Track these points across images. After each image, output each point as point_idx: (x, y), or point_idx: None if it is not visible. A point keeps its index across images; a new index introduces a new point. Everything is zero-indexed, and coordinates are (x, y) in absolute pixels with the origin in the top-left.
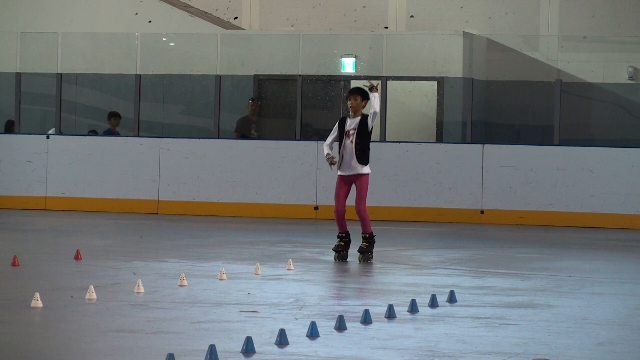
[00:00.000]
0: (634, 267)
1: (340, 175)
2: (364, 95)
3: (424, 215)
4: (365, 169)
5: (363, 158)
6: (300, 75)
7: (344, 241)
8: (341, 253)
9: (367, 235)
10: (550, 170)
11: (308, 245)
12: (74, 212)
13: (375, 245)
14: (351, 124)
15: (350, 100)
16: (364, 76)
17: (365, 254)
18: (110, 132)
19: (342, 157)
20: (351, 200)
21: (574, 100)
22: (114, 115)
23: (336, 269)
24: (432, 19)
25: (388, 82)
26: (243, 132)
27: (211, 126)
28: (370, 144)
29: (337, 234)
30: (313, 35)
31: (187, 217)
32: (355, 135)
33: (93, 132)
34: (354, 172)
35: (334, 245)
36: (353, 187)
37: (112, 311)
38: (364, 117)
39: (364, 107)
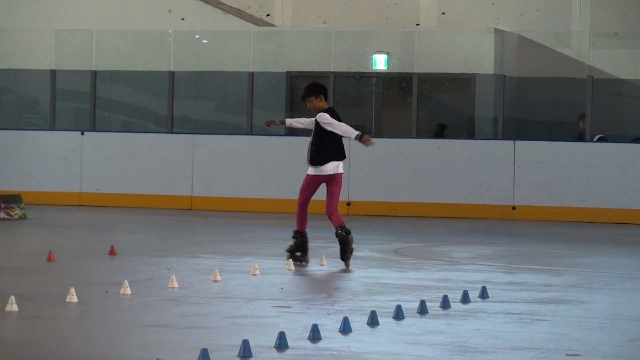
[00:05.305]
0: None
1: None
2: (316, 91)
3: (455, 212)
4: (318, 170)
5: (315, 159)
6: (332, 72)
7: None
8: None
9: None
10: (582, 166)
11: None
12: (108, 208)
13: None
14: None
15: (307, 104)
16: (396, 73)
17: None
18: (581, 136)
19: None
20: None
21: (605, 97)
22: (582, 117)
23: (368, 265)
24: (464, 15)
25: (419, 78)
26: None
27: (244, 123)
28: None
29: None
30: (345, 32)
31: (220, 213)
32: (312, 134)
33: (602, 139)
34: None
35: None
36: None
37: (146, 306)
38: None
39: (323, 100)
